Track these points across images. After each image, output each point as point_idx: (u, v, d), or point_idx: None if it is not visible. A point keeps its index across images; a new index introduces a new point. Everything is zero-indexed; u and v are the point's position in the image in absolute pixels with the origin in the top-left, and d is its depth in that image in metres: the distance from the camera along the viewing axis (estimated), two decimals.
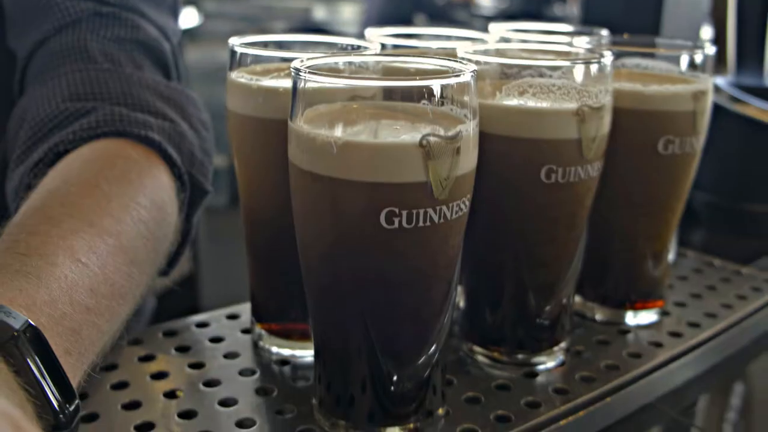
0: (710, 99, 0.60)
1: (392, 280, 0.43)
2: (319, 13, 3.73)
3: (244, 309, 0.61)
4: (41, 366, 0.34)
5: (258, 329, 0.56)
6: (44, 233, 0.43)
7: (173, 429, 0.46)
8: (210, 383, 0.51)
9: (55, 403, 0.35)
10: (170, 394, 0.50)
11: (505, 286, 0.55)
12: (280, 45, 0.55)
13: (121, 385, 0.50)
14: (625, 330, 0.62)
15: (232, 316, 0.61)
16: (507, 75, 0.52)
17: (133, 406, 0.48)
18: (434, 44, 0.59)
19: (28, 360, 0.34)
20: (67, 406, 0.36)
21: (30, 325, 0.35)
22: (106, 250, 0.45)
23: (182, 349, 0.55)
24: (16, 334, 0.34)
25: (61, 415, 0.35)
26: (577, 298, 0.64)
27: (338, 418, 0.46)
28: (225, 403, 0.49)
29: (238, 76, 0.51)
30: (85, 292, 0.41)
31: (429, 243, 0.42)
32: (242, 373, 0.53)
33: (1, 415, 0.25)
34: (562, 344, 0.57)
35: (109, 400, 0.48)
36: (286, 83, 0.49)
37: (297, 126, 0.42)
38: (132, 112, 0.55)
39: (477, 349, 0.56)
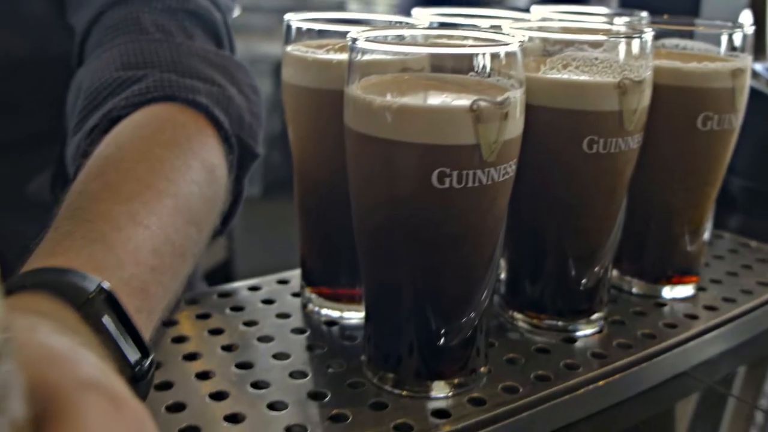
0: (748, 77, 0.61)
1: (442, 238, 0.45)
2: (353, 6, 3.76)
3: (293, 275, 0.64)
4: (117, 324, 0.37)
5: (308, 293, 0.59)
6: (106, 199, 0.45)
7: (231, 378, 0.49)
8: (263, 339, 0.54)
9: (132, 359, 0.37)
10: (227, 348, 0.53)
11: (545, 255, 0.57)
12: (331, 22, 0.58)
13: (181, 339, 0.53)
14: (661, 303, 0.64)
15: (282, 281, 0.64)
16: (549, 52, 0.55)
17: (192, 357, 0.51)
18: (479, 22, 0.61)
19: (104, 319, 0.36)
20: (143, 360, 0.38)
21: (103, 286, 0.37)
22: (164, 211, 0.47)
23: (236, 309, 0.58)
24: (91, 296, 0.36)
25: (137, 368, 0.38)
26: (615, 272, 0.66)
27: (386, 372, 0.49)
28: (278, 356, 0.52)
29: (293, 49, 0.54)
30: (149, 253, 0.44)
31: (477, 203, 0.44)
32: (293, 331, 0.56)
33: (94, 366, 0.27)
34: (600, 313, 0.59)
35: (171, 351, 0.52)
36: (339, 56, 0.52)
37: (354, 92, 0.45)
38: (181, 78, 0.57)
39: (517, 315, 0.59)
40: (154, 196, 0.47)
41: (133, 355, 0.38)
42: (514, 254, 0.59)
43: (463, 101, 0.43)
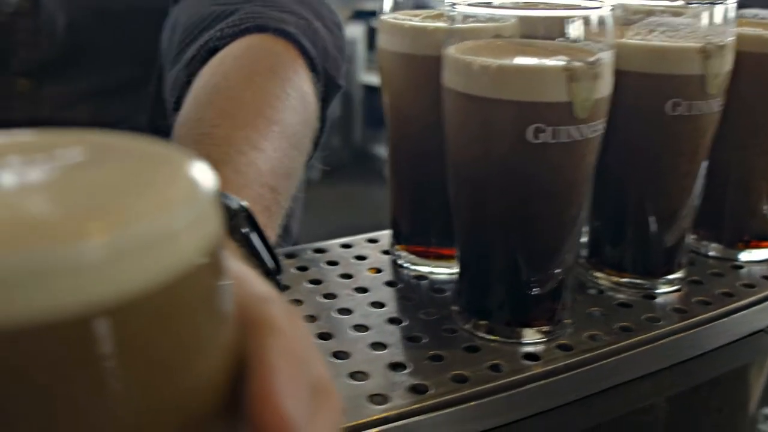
0: None
1: (534, 192, 0.48)
2: None
3: (382, 235, 0.68)
4: (257, 239, 0.41)
5: (398, 250, 0.63)
6: (224, 126, 0.48)
7: (333, 322, 0.53)
8: (359, 290, 0.58)
9: (273, 273, 0.41)
10: (328, 296, 0.57)
11: (627, 215, 0.59)
12: None
13: (283, 288, 0.58)
14: (738, 266, 0.66)
15: (372, 240, 0.67)
16: (630, 21, 0.57)
17: (295, 303, 0.55)
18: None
19: (248, 234, 0.40)
20: (278, 275, 0.42)
21: (242, 204, 0.41)
22: (273, 136, 0.50)
23: (331, 263, 0.62)
24: (234, 213, 0.40)
25: (278, 277, 0.42)
26: (693, 236, 0.68)
27: (479, 320, 0.52)
28: (374, 305, 0.56)
29: (389, 17, 0.57)
30: (268, 174, 0.47)
31: (569, 158, 0.47)
32: (386, 284, 0.59)
33: (263, 282, 0.29)
34: (679, 274, 0.61)
35: None
36: (434, 23, 0.55)
37: (453, 54, 0.48)
38: (270, 10, 0.60)
39: (598, 274, 0.61)
40: (264, 123, 0.50)
41: (273, 267, 0.41)
42: (596, 214, 0.61)
43: (557, 61, 0.46)
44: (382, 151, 3.63)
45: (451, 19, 0.49)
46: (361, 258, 0.64)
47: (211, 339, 0.20)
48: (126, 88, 0.78)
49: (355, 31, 3.56)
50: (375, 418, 0.44)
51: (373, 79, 3.55)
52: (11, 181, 0.19)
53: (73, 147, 0.21)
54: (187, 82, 0.56)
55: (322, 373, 0.25)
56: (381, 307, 0.56)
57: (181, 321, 0.19)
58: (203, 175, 0.20)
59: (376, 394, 0.45)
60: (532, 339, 0.51)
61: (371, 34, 3.57)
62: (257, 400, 0.20)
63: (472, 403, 0.46)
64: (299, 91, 0.55)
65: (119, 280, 0.17)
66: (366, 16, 3.54)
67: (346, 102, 3.64)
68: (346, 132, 3.70)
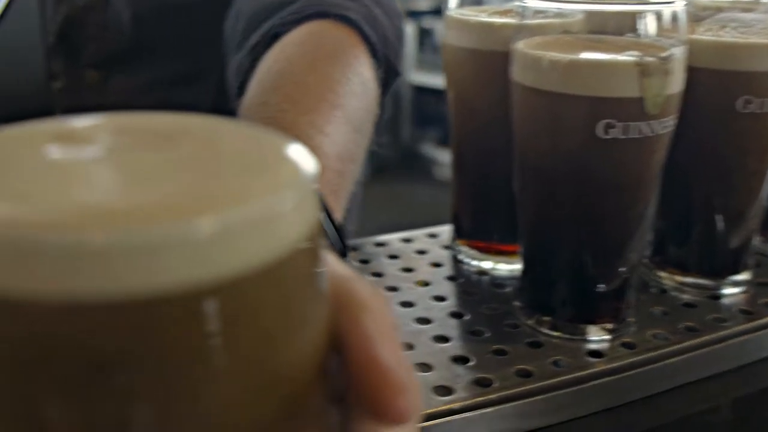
0: None
1: (603, 188, 0.48)
2: None
3: (442, 230, 0.68)
4: (327, 221, 0.41)
5: (459, 245, 0.63)
6: (290, 111, 0.49)
7: (395, 313, 0.54)
8: (421, 284, 0.58)
9: (341, 254, 0.41)
10: (390, 288, 0.57)
11: (694, 213, 0.58)
12: None
13: None
14: None
15: (432, 235, 0.68)
16: (700, 17, 0.56)
17: None
18: None
19: (323, 218, 0.41)
20: (346, 255, 0.42)
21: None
22: (337, 121, 0.50)
23: (392, 257, 0.63)
24: None
25: (345, 260, 0.42)
26: (760, 238, 0.67)
27: (542, 316, 0.52)
28: (436, 298, 0.56)
29: (456, 13, 0.58)
30: (334, 159, 0.48)
31: (639, 155, 0.47)
32: (447, 278, 0.60)
33: (341, 263, 0.30)
34: (745, 275, 0.60)
35: None
36: (500, 19, 0.56)
37: (523, 49, 0.48)
38: None
39: (662, 274, 0.60)
40: (327, 107, 0.51)
41: (343, 247, 0.42)
42: (662, 212, 0.60)
43: (629, 56, 0.45)
44: (430, 150, 3.62)
45: (521, 14, 0.49)
46: (421, 252, 0.64)
47: (311, 317, 0.21)
48: (189, 78, 0.80)
49: (405, 30, 3.56)
50: (440, 409, 0.44)
51: (422, 78, 3.55)
52: (131, 162, 0.20)
53: (183, 131, 0.22)
54: (251, 68, 0.57)
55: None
56: (442, 301, 0.56)
57: (286, 299, 0.19)
58: (306, 159, 0.21)
59: (440, 386, 0.46)
60: (596, 336, 0.51)
61: (422, 33, 3.57)
62: (370, 371, 0.22)
63: (537, 397, 0.46)
64: (360, 77, 0.56)
65: (231, 258, 0.18)
66: (417, 15, 3.54)
67: (395, 101, 3.65)
68: (394, 131, 3.71)
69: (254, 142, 0.21)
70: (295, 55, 0.55)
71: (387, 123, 0.67)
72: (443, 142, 3.47)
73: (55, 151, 0.20)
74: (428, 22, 3.55)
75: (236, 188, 0.19)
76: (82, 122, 0.22)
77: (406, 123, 3.81)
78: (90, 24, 0.80)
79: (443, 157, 3.39)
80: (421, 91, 3.60)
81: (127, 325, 0.17)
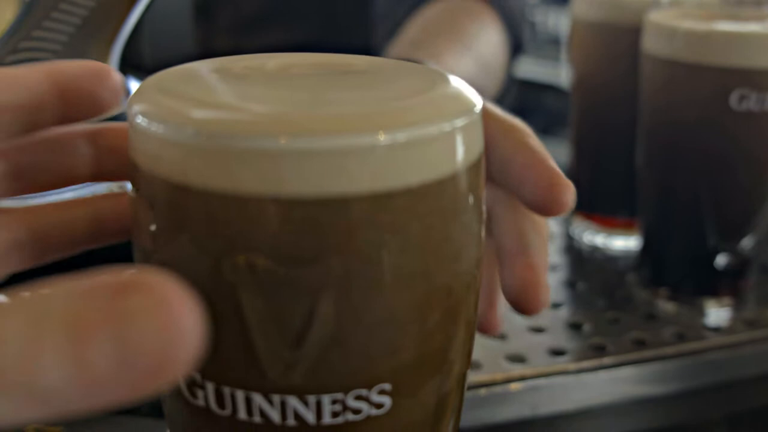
0: None
1: (733, 160, 0.48)
2: None
3: None
4: None
5: (574, 219, 0.63)
6: (429, 46, 0.54)
7: None
8: None
9: None
10: None
11: None
12: None
13: None
14: None
15: None
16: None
17: None
18: None
19: None
20: None
21: None
22: (469, 61, 0.56)
23: None
24: None
25: None
26: None
27: (659, 287, 0.52)
28: (550, 267, 0.57)
29: None
30: None
31: None
32: (561, 249, 0.60)
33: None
34: None
35: None
36: None
37: (657, 20, 0.48)
38: None
39: None
40: (461, 48, 0.56)
41: None
42: None
43: (766, 27, 0.45)
44: None
45: None
46: None
47: (473, 232, 0.22)
48: (320, 45, 0.84)
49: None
50: (554, 368, 0.45)
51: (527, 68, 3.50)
52: (317, 85, 0.22)
53: (364, 66, 0.24)
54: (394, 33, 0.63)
55: None
56: (556, 270, 0.57)
57: (455, 211, 0.21)
58: (472, 93, 0.22)
59: (554, 349, 0.47)
60: (714, 311, 0.51)
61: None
62: (547, 174, 0.28)
63: (651, 365, 0.46)
64: (492, 39, 0.61)
65: (418, 168, 0.20)
66: None
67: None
68: None
69: (427, 77, 0.23)
70: (436, 14, 0.61)
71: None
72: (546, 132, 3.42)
73: (248, 77, 0.23)
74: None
75: (418, 109, 0.20)
76: (261, 59, 0.24)
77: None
78: None
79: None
80: (522, 83, 3.56)
81: (327, 222, 0.19)
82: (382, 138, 0.19)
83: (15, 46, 0.41)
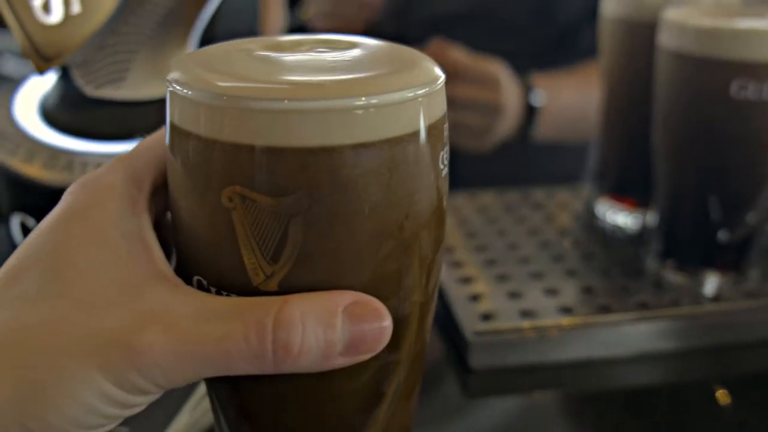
0: None
1: (735, 143, 0.53)
2: None
3: (579, 185, 0.74)
4: None
5: (598, 200, 0.69)
6: None
7: (532, 251, 0.61)
8: (559, 231, 0.65)
9: None
10: (531, 232, 0.65)
11: None
12: None
13: (493, 220, 0.67)
14: None
15: (569, 189, 0.74)
16: None
17: (481, 249, 0.64)
18: None
19: None
20: None
21: None
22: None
23: (536, 206, 0.70)
24: None
25: None
26: None
27: (666, 259, 0.58)
28: (572, 242, 0.63)
29: None
30: None
31: None
32: (583, 227, 0.66)
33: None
34: None
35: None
36: None
37: (670, 16, 0.54)
38: None
39: None
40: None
41: None
42: None
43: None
44: None
45: None
46: (561, 206, 0.71)
47: (428, 180, 0.27)
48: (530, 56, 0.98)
49: None
50: (561, 323, 0.51)
51: None
52: (323, 60, 0.27)
53: (352, 46, 0.29)
54: None
55: None
56: (577, 245, 0.63)
57: (419, 161, 0.26)
58: (438, 71, 0.27)
59: (565, 307, 0.53)
60: (715, 281, 0.56)
61: None
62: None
63: (651, 323, 0.52)
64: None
65: (392, 124, 0.25)
66: None
67: None
68: None
69: (401, 54, 0.28)
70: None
71: None
72: None
73: (262, 53, 0.28)
74: None
75: (395, 79, 0.25)
76: (277, 40, 0.30)
77: None
78: None
79: None
80: None
81: (313, 166, 0.24)
82: (359, 102, 0.24)
83: (102, 41, 0.48)
